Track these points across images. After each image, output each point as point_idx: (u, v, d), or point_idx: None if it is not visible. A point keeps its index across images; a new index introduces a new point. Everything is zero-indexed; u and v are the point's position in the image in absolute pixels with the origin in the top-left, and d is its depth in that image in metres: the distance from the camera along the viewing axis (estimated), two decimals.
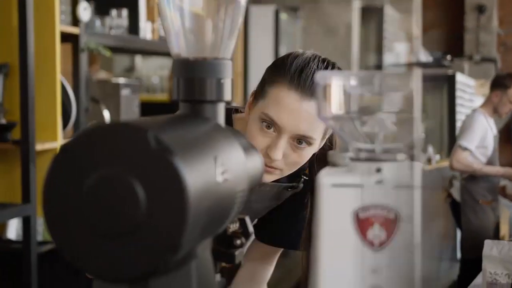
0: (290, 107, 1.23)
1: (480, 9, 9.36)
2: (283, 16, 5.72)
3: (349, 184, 0.71)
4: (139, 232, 0.63)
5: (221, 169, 0.72)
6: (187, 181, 0.62)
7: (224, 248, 0.90)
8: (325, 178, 0.72)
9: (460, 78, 7.15)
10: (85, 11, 2.67)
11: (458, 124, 7.32)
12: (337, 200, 0.71)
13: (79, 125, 2.71)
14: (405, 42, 5.42)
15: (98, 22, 2.97)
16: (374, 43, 7.36)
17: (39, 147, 2.44)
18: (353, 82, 0.74)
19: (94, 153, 0.64)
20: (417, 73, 0.70)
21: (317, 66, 1.25)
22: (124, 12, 3.04)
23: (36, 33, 2.43)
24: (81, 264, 0.65)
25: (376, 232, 0.70)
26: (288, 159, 1.28)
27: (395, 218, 0.70)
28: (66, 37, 2.66)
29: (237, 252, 0.90)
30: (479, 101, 8.53)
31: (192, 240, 0.66)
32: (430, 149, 6.48)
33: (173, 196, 0.62)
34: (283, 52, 6.13)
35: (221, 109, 0.85)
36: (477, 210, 4.38)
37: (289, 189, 1.42)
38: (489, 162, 4.39)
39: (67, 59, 2.70)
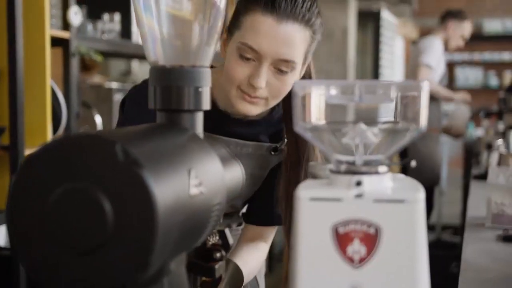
0: (268, 32, 1.21)
1: None
2: None
3: (328, 198, 0.68)
4: (106, 248, 0.60)
5: (195, 182, 0.69)
6: (156, 195, 0.60)
7: (203, 262, 0.88)
8: (304, 191, 0.69)
9: (384, 15, 7.21)
10: (76, 16, 2.64)
11: (382, 62, 7.42)
12: (315, 214, 0.69)
13: (70, 130, 2.68)
14: None
15: (90, 26, 2.95)
16: (371, 46, 7.36)
17: (28, 152, 2.40)
18: (332, 91, 0.71)
19: (60, 165, 0.61)
20: None
21: None
22: (117, 16, 3.01)
23: (25, 37, 2.40)
24: (45, 279, 0.62)
25: (356, 248, 0.68)
26: (271, 87, 1.25)
27: (376, 234, 0.67)
28: (57, 41, 2.64)
29: (217, 266, 0.87)
30: (399, 40, 8.67)
31: (163, 256, 0.64)
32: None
33: (141, 211, 0.60)
34: None
35: (199, 118, 0.83)
36: (426, 137, 4.41)
37: (272, 152, 1.39)
38: (440, 83, 4.50)
39: (58, 64, 2.67)
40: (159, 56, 0.83)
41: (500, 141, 3.17)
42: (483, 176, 2.96)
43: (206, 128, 1.34)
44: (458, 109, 4.79)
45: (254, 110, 1.27)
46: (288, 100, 1.31)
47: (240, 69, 1.24)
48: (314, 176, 0.77)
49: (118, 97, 3.05)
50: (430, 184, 4.54)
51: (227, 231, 0.89)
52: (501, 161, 2.98)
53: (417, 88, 0.69)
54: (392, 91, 0.69)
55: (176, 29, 0.82)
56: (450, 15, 4.50)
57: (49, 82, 2.49)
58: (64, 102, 2.59)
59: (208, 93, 0.83)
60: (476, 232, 1.84)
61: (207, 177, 0.72)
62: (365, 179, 0.69)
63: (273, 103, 1.28)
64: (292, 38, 1.21)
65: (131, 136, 0.67)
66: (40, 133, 2.48)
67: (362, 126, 0.72)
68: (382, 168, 0.71)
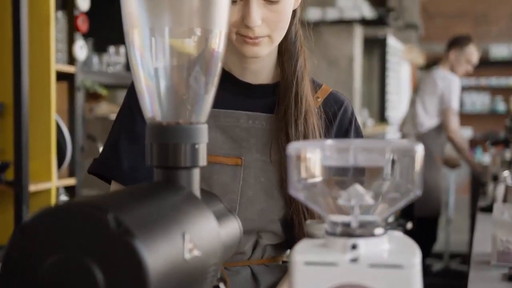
0: None
1: None
2: None
3: (323, 263, 0.68)
4: None
5: (190, 246, 0.69)
6: (148, 266, 0.59)
7: None
8: (299, 255, 0.68)
9: (391, 41, 7.22)
10: (81, 50, 2.66)
11: (388, 88, 7.41)
12: (311, 279, 0.68)
13: (74, 164, 2.68)
14: None
15: (95, 59, 2.97)
16: (377, 72, 7.38)
17: (32, 188, 2.41)
18: (327, 152, 0.71)
19: (52, 234, 0.61)
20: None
21: None
22: (122, 49, 3.03)
23: (31, 72, 2.42)
24: None
25: None
26: (269, 21, 1.17)
27: None
28: (62, 76, 2.65)
29: None
30: (405, 66, 8.70)
31: None
32: (365, 113, 6.46)
33: (134, 281, 0.59)
34: None
35: (196, 174, 0.82)
36: (432, 166, 4.38)
37: None
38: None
39: (63, 97, 2.68)
40: (156, 113, 0.82)
41: (506, 173, 3.15)
42: (489, 208, 2.94)
43: (219, 101, 1.31)
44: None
45: (260, 50, 1.20)
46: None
47: (231, 13, 1.15)
48: (310, 235, 0.76)
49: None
50: (434, 214, 4.51)
51: (221, 285, 0.88)
52: (508, 193, 2.96)
53: (411, 151, 0.68)
54: (387, 153, 0.69)
55: (173, 85, 0.82)
56: (452, 43, 4.53)
57: (54, 116, 2.50)
58: (69, 136, 2.60)
59: (204, 149, 0.83)
60: (482, 271, 1.82)
61: (202, 238, 0.72)
62: (361, 242, 0.69)
63: (278, 37, 1.20)
64: None
65: (124, 202, 0.66)
66: (45, 168, 2.49)
67: (358, 187, 0.71)
68: (378, 230, 0.70)
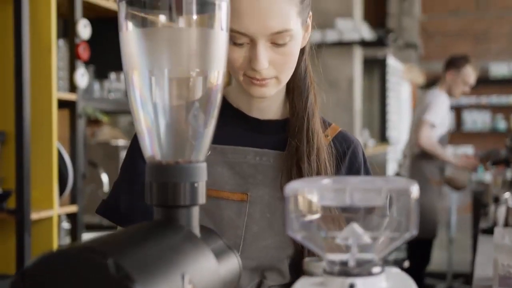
0: (248, 10, 1.11)
1: None
2: None
3: None
4: None
5: (189, 287, 0.70)
6: None
7: None
8: None
9: (390, 61, 7.25)
10: (82, 77, 2.68)
11: (389, 108, 7.43)
12: None
13: (76, 191, 2.69)
14: (348, 20, 5.42)
15: (97, 86, 2.99)
16: (378, 92, 7.41)
17: (34, 216, 2.41)
18: (324, 192, 0.72)
19: (53, 279, 0.62)
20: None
21: None
22: (123, 75, 3.06)
23: (33, 100, 2.44)
24: None
25: None
26: (276, 64, 1.16)
27: None
28: (64, 103, 2.67)
29: None
30: (406, 85, 8.73)
31: None
32: (366, 133, 6.45)
33: None
34: None
35: (195, 212, 0.83)
36: (426, 189, 4.35)
37: None
38: (440, 142, 4.45)
39: (65, 125, 2.70)
40: (155, 152, 0.84)
41: (507, 194, 3.14)
42: (491, 230, 2.94)
43: (228, 137, 1.25)
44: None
45: (267, 91, 1.19)
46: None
47: (238, 56, 1.15)
48: (309, 274, 0.77)
49: (124, 155, 3.07)
50: (428, 236, 4.49)
51: None
52: (509, 215, 2.96)
53: (407, 191, 0.69)
54: (383, 193, 0.70)
55: (173, 125, 0.83)
56: (448, 64, 4.55)
57: (56, 144, 2.51)
58: (70, 164, 2.61)
59: (203, 187, 0.84)
60: None
61: (201, 278, 0.73)
62: (358, 281, 0.69)
63: (285, 78, 1.20)
64: (276, 7, 1.11)
65: (123, 245, 0.67)
66: (46, 195, 2.50)
67: (355, 226, 0.72)
68: (376, 269, 0.71)
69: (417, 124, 4.40)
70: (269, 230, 1.22)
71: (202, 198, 0.83)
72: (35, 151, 2.47)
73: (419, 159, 4.44)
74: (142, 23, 0.82)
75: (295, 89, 1.28)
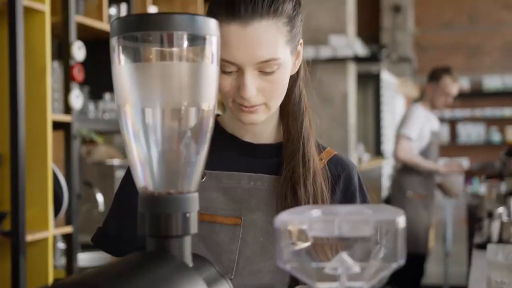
0: (236, 40, 1.13)
1: (396, 9, 9.59)
2: None
3: None
4: None
5: None
6: None
7: None
8: None
9: (384, 76, 7.29)
10: (77, 99, 2.70)
11: (383, 122, 7.45)
12: None
13: (71, 212, 2.70)
14: (341, 36, 5.45)
15: (91, 106, 3.00)
16: (372, 107, 7.45)
17: (30, 237, 2.42)
18: (313, 224, 0.74)
19: None
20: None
21: None
22: None
23: (27, 122, 2.45)
24: None
25: None
26: (264, 91, 1.17)
27: None
28: (59, 125, 2.68)
29: None
30: (400, 99, 8.77)
31: None
32: (361, 148, 6.47)
33: None
34: None
35: (187, 242, 0.85)
36: (405, 203, 4.32)
37: None
38: (423, 154, 4.44)
39: (59, 146, 2.71)
40: (148, 183, 0.85)
41: (501, 209, 3.16)
42: (485, 245, 2.95)
43: (222, 162, 1.26)
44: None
45: (256, 118, 1.20)
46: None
47: (226, 84, 1.17)
48: None
49: (120, 174, 3.08)
50: (418, 250, 4.48)
51: None
52: (503, 230, 2.97)
53: (393, 223, 0.71)
54: (371, 225, 0.72)
55: (165, 157, 0.85)
56: (429, 77, 4.57)
57: (51, 166, 2.52)
58: (65, 185, 2.62)
59: (195, 217, 0.85)
60: None
61: None
62: None
63: (274, 105, 1.21)
64: (263, 37, 1.13)
65: (115, 278, 0.68)
66: (41, 217, 2.50)
67: (344, 256, 0.74)
68: None
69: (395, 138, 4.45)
70: (262, 255, 1.23)
71: (194, 228, 0.84)
72: (30, 172, 2.48)
73: (401, 174, 4.46)
74: (135, 58, 0.84)
75: (290, 114, 1.29)
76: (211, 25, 0.83)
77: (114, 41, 0.82)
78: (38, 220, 2.50)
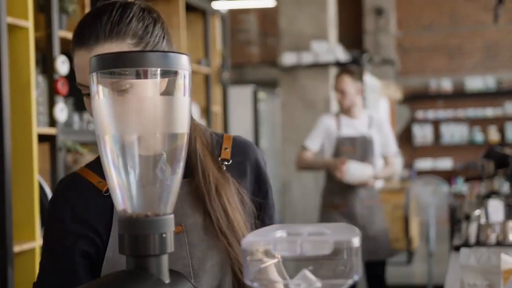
0: (85, 64, 1.19)
1: (378, 11, 9.71)
2: (261, 94, 5.87)
3: None
4: None
5: None
6: None
7: None
8: None
9: (367, 79, 7.40)
10: (62, 112, 2.75)
11: None
12: None
13: None
14: (322, 42, 5.46)
15: (76, 118, 3.06)
16: None
17: (17, 249, 2.47)
18: (277, 245, 0.81)
19: None
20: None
21: (99, 10, 1.23)
22: None
23: (13, 135, 2.50)
24: None
25: None
26: None
27: None
28: (44, 137, 2.74)
29: None
30: (383, 101, 8.88)
31: None
32: None
33: None
34: (263, 130, 6.29)
35: (164, 260, 0.91)
36: (324, 217, 4.16)
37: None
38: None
39: (45, 158, 2.77)
40: (127, 206, 0.92)
41: (478, 211, 3.23)
42: (462, 247, 3.01)
43: None
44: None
45: None
46: None
47: (89, 108, 1.22)
48: None
49: None
50: (379, 256, 4.37)
51: None
52: (480, 231, 3.05)
53: (349, 243, 0.78)
54: (329, 245, 0.79)
55: (142, 182, 0.92)
56: None
57: (37, 178, 2.58)
58: (51, 196, 2.68)
59: (171, 237, 0.92)
60: None
61: None
62: None
63: None
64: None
65: None
66: (28, 229, 2.56)
67: (307, 273, 0.81)
68: None
69: None
70: (211, 250, 1.30)
71: (170, 247, 0.91)
72: (16, 184, 2.53)
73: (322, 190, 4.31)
74: (112, 92, 0.91)
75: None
76: (183, 60, 0.90)
77: (93, 77, 0.89)
78: (25, 232, 2.55)
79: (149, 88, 0.90)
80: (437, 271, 5.79)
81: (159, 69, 0.89)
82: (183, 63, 0.91)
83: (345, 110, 4.17)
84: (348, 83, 4.07)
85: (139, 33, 1.24)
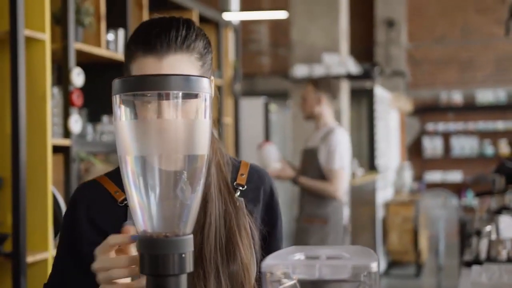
0: (152, 70, 1.21)
1: (390, 23, 9.68)
2: (273, 107, 5.89)
3: None
4: None
5: None
6: None
7: None
8: None
9: (378, 91, 7.39)
10: (76, 123, 2.78)
11: (377, 136, 7.51)
12: None
13: None
14: (334, 54, 5.47)
15: (90, 129, 3.08)
16: (366, 122, 7.54)
17: (30, 259, 2.50)
18: (296, 268, 0.82)
19: None
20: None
21: (165, 21, 1.25)
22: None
23: (28, 146, 2.53)
24: None
25: None
26: None
27: None
28: (58, 148, 2.77)
29: None
30: (394, 113, 8.86)
31: None
32: (355, 163, 6.53)
33: None
34: (274, 141, 6.30)
35: (183, 280, 0.93)
36: (301, 230, 4.03)
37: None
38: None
39: (59, 169, 2.79)
40: (147, 226, 0.94)
41: (489, 228, 3.22)
42: (473, 263, 3.01)
43: None
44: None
45: None
46: None
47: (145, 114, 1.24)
48: None
49: None
50: None
51: None
52: (491, 248, 3.04)
53: (367, 267, 0.79)
54: (347, 269, 0.80)
55: (162, 203, 0.93)
56: None
57: (51, 189, 2.60)
58: (64, 207, 2.70)
59: (191, 257, 0.93)
60: None
61: None
62: None
63: None
64: (177, 68, 1.22)
65: None
66: (41, 239, 2.58)
67: None
68: None
69: None
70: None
71: (189, 267, 0.93)
72: (30, 195, 2.55)
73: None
74: (134, 114, 0.93)
75: None
76: (204, 83, 0.92)
77: (115, 99, 0.91)
78: (39, 242, 2.57)
79: (170, 110, 0.91)
80: (446, 285, 5.78)
81: (180, 92, 0.90)
82: (204, 86, 0.93)
83: (306, 118, 4.21)
84: (309, 92, 4.09)
85: (202, 51, 1.27)
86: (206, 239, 1.26)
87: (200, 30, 1.29)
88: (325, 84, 4.16)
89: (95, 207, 1.30)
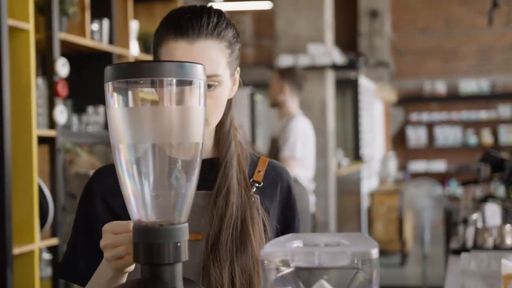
0: (182, 54, 1.22)
1: (373, 14, 9.72)
2: (258, 97, 5.88)
3: None
4: None
5: None
6: None
7: None
8: None
9: (362, 82, 7.43)
10: (61, 114, 2.75)
11: (362, 127, 7.56)
12: None
13: (56, 224, 2.75)
14: (319, 44, 5.49)
15: (75, 119, 3.05)
16: (350, 112, 7.56)
17: (16, 251, 2.47)
18: (295, 255, 0.81)
19: None
20: None
21: (196, 8, 1.27)
22: (101, 108, 3.13)
23: (13, 137, 2.50)
24: None
25: None
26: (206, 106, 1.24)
27: None
28: (43, 139, 2.74)
29: None
30: (378, 103, 8.90)
31: None
32: (340, 153, 6.58)
33: None
34: (259, 132, 6.28)
35: (178, 269, 0.92)
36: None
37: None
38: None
39: (44, 160, 2.76)
40: (141, 215, 0.92)
41: (475, 216, 3.24)
42: (460, 251, 3.02)
43: None
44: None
45: None
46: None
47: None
48: None
49: None
50: None
51: None
52: (477, 235, 3.05)
53: (368, 254, 0.78)
54: (347, 256, 0.79)
55: (156, 191, 0.92)
56: None
57: (36, 180, 2.57)
58: (50, 198, 2.67)
59: (186, 245, 0.92)
60: None
61: None
62: None
63: (214, 121, 1.28)
64: (207, 54, 1.23)
65: None
66: (27, 231, 2.55)
67: (324, 283, 0.81)
68: None
69: None
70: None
71: (184, 255, 0.92)
72: (16, 187, 2.52)
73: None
74: (127, 101, 0.91)
75: (221, 138, 1.35)
76: (198, 70, 0.91)
77: (108, 86, 0.89)
78: (24, 233, 2.55)
79: (164, 97, 0.90)
80: (431, 273, 5.81)
81: (174, 79, 0.89)
82: (198, 73, 0.91)
83: (270, 105, 4.28)
84: (274, 80, 4.16)
85: (231, 39, 1.29)
86: (225, 228, 1.26)
87: (230, 20, 1.30)
88: (289, 74, 4.19)
89: (109, 191, 1.29)
